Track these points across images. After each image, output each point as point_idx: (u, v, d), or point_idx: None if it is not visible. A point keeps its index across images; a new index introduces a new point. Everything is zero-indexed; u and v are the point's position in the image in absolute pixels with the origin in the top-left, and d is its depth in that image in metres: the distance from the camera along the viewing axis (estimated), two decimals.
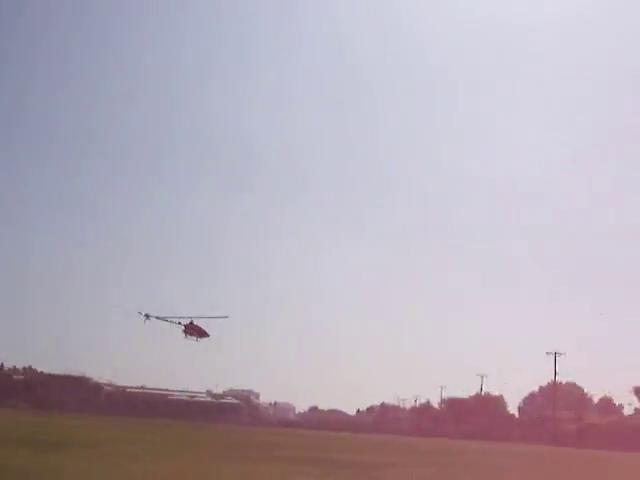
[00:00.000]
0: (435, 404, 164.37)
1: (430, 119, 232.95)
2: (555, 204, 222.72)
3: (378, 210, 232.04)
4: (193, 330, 62.81)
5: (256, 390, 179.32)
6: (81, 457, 26.35)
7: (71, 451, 29.05)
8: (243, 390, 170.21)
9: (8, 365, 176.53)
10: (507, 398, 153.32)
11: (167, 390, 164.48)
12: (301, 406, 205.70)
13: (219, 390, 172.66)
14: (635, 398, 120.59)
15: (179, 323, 63.40)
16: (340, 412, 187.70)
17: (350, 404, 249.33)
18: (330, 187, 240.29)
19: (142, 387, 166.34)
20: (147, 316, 63.71)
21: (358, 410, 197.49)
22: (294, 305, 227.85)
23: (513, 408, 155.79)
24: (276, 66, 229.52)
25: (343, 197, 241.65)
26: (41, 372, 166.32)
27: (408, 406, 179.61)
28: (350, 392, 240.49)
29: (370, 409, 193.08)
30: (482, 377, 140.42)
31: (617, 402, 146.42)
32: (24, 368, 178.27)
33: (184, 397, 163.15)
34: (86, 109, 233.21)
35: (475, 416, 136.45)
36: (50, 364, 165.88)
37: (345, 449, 49.02)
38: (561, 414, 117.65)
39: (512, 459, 50.21)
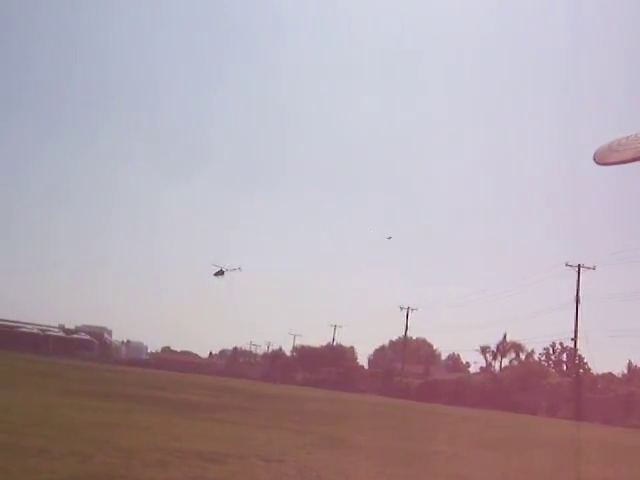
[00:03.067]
0: (287, 352, 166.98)
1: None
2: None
3: None
4: None
5: (109, 327, 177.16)
6: None
7: None
8: (96, 327, 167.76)
9: None
10: (358, 350, 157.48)
11: (17, 322, 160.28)
12: (154, 346, 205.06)
13: (72, 325, 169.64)
14: (481, 356, 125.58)
15: None
16: (192, 354, 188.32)
17: (203, 347, 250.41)
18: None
19: None
20: None
21: (210, 353, 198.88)
22: (148, 241, 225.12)
23: (364, 360, 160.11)
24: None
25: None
26: None
27: (260, 352, 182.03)
28: (203, 335, 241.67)
29: (222, 353, 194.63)
30: (335, 327, 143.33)
31: (464, 360, 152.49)
32: None
33: (35, 330, 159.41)
34: None
35: (326, 365, 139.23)
36: None
37: (188, 390, 49.14)
38: (409, 368, 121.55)
39: (344, 406, 51.60)
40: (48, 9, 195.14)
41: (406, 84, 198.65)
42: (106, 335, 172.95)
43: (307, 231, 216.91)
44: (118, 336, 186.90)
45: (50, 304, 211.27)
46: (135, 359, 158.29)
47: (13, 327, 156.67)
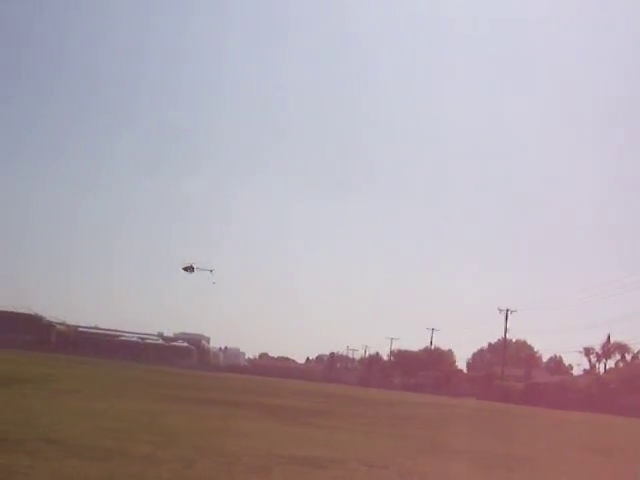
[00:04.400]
0: (385, 356, 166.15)
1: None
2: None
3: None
4: None
5: (207, 335, 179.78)
6: (24, 392, 26.04)
7: (15, 387, 28.74)
8: (194, 334, 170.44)
9: None
10: (456, 353, 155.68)
11: (119, 331, 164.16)
12: (251, 352, 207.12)
13: (170, 333, 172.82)
14: (585, 359, 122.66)
15: None
16: (290, 360, 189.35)
17: (300, 352, 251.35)
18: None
19: (95, 327, 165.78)
20: None
21: (308, 358, 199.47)
22: (249, 252, 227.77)
23: (462, 364, 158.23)
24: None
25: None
26: None
27: (357, 357, 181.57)
28: (301, 341, 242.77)
29: (319, 358, 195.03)
30: (432, 331, 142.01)
31: (567, 362, 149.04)
32: None
33: (135, 339, 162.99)
34: None
35: (424, 369, 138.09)
36: (2, 301, 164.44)
37: (287, 395, 49.28)
38: (510, 371, 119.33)
39: (444, 411, 50.93)
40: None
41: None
42: (204, 342, 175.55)
43: (403, 235, 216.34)
44: (216, 343, 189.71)
45: (149, 313, 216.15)
46: (233, 365, 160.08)
47: (114, 336, 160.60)
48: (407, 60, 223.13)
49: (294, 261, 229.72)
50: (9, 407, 19.31)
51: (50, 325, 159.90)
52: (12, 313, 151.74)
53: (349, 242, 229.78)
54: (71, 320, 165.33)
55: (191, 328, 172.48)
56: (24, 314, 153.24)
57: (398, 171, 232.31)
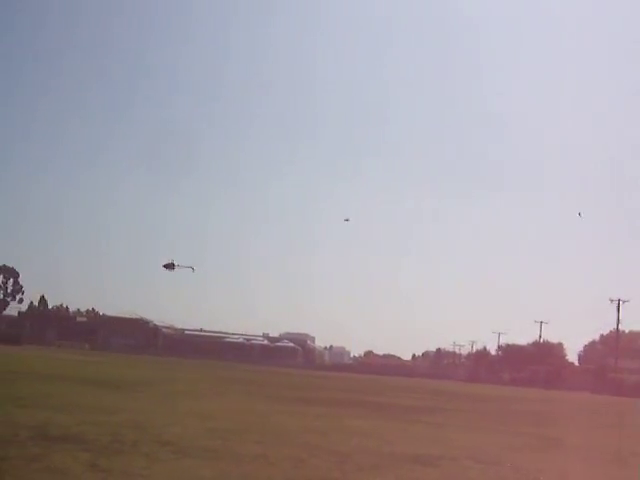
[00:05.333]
0: (492, 351, 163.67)
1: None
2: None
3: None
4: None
5: (312, 334, 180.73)
6: (135, 395, 26.65)
7: (127, 389, 29.44)
8: (299, 334, 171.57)
9: (72, 308, 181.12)
10: (567, 346, 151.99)
11: (224, 333, 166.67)
12: (356, 350, 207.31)
13: (275, 333, 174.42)
14: None
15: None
16: (395, 357, 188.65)
17: (406, 349, 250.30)
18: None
19: (200, 330, 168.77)
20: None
21: (413, 355, 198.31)
22: (354, 250, 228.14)
23: (573, 356, 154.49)
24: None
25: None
26: (103, 314, 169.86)
27: (464, 352, 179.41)
28: (406, 337, 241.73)
29: (425, 354, 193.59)
30: (541, 324, 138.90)
31: None
32: (87, 311, 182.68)
33: (241, 340, 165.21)
34: None
35: (533, 363, 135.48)
36: (112, 307, 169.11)
37: (394, 393, 49.05)
38: (623, 364, 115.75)
39: (556, 405, 49.87)
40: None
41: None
42: (309, 342, 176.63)
43: (506, 229, 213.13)
44: (321, 342, 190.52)
45: (254, 314, 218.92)
46: (338, 364, 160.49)
47: (219, 338, 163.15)
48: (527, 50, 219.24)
49: (398, 258, 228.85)
50: (122, 410, 19.73)
51: (157, 329, 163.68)
52: (120, 318, 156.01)
53: (452, 238, 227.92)
54: (177, 324, 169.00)
55: (296, 328, 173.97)
56: (132, 319, 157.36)
57: (499, 167, 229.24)
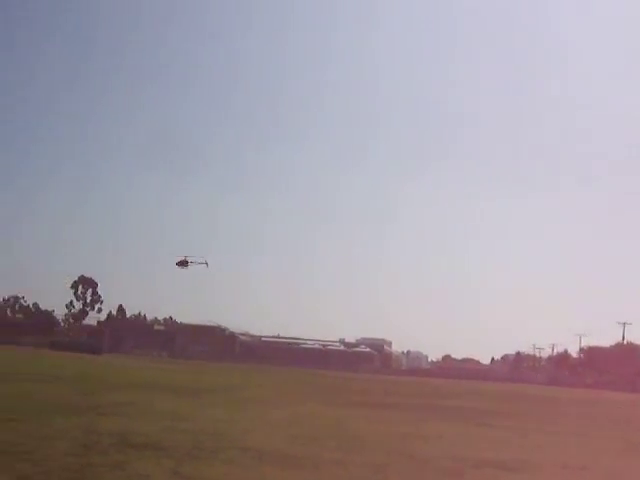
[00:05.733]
0: (573, 353, 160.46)
1: None
2: None
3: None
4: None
5: (388, 339, 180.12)
6: (214, 402, 26.89)
7: (206, 397, 29.71)
8: (376, 339, 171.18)
9: (150, 316, 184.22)
10: None
11: (301, 339, 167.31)
12: (433, 355, 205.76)
13: (352, 339, 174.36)
14: None
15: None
16: (473, 361, 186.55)
17: (484, 353, 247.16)
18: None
19: (277, 336, 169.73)
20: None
21: (492, 359, 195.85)
22: (423, 254, 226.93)
23: None
24: None
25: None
26: (180, 322, 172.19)
27: (545, 355, 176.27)
28: (484, 341, 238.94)
29: (504, 358, 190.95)
30: (624, 325, 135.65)
31: None
32: (164, 319, 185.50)
33: (317, 346, 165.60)
34: None
35: (616, 366, 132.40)
36: (188, 315, 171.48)
37: (472, 398, 48.43)
38: None
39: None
40: None
41: None
42: (386, 347, 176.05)
43: (585, 227, 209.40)
44: (398, 347, 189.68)
45: (331, 320, 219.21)
46: (415, 369, 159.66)
47: (296, 344, 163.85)
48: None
49: (475, 261, 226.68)
50: (201, 417, 19.91)
51: (233, 336, 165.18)
52: (197, 326, 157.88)
53: (531, 240, 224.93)
54: (254, 331, 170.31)
55: (373, 333, 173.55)
56: (208, 326, 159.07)
57: (584, 163, 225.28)
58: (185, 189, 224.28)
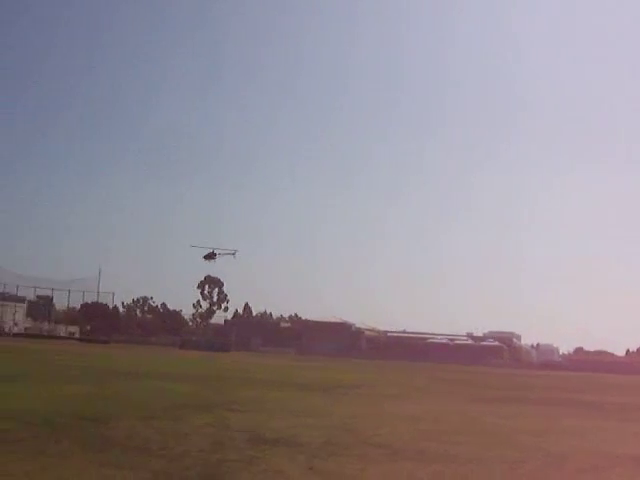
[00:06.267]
0: None
1: None
2: None
3: None
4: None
5: (517, 332, 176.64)
6: (343, 398, 26.97)
7: (335, 392, 29.82)
8: (504, 332, 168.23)
9: (276, 314, 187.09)
10: None
11: (427, 333, 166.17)
12: (565, 347, 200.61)
13: (479, 333, 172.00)
14: None
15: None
16: (607, 353, 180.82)
17: (619, 345, 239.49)
18: None
19: (403, 331, 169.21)
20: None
21: (627, 351, 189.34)
22: (556, 242, 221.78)
23: None
24: None
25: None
26: (306, 320, 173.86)
27: None
28: (619, 332, 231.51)
29: None
30: None
31: None
32: (290, 316, 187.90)
33: (444, 340, 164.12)
34: None
35: None
36: (314, 312, 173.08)
37: (608, 391, 46.90)
38: None
39: None
40: None
41: None
42: (515, 340, 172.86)
43: None
44: (527, 340, 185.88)
45: (458, 313, 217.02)
46: (546, 362, 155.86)
47: (422, 339, 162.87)
48: None
49: (612, 249, 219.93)
50: (332, 413, 19.92)
51: (360, 332, 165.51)
52: (323, 323, 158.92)
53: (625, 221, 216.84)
54: (380, 326, 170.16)
55: (501, 326, 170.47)
56: (334, 323, 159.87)
57: None
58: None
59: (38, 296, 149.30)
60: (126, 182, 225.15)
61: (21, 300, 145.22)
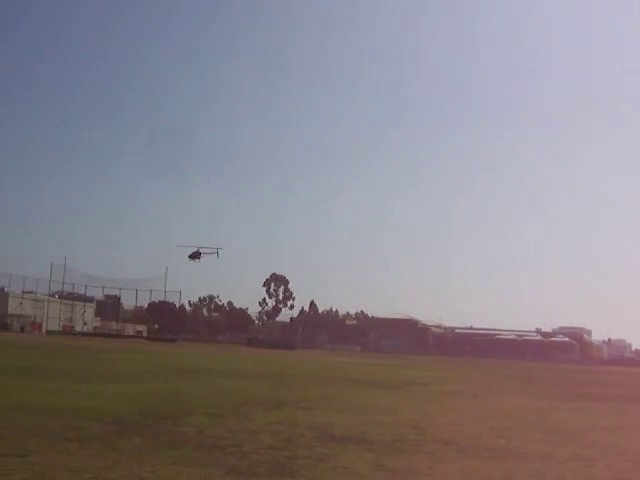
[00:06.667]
0: None
1: None
2: None
3: None
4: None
5: (588, 327, 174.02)
6: (411, 395, 26.87)
7: (402, 389, 29.75)
8: (574, 328, 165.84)
9: (342, 311, 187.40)
10: None
11: (495, 330, 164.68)
12: (638, 343, 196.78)
13: (549, 328, 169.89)
14: None
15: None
16: None
17: None
18: None
19: (470, 328, 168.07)
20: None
21: None
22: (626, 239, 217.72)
23: None
24: None
25: None
26: (372, 316, 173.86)
27: None
28: None
29: None
30: None
31: None
32: (356, 313, 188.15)
33: (513, 336, 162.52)
34: None
35: None
36: (380, 308, 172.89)
37: None
38: None
39: None
40: None
41: None
42: (585, 335, 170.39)
43: None
44: (598, 336, 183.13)
45: (527, 309, 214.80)
46: (618, 358, 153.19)
47: (490, 335, 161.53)
48: None
49: None
50: (400, 410, 19.84)
51: (426, 328, 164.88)
52: (390, 319, 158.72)
53: None
54: (447, 322, 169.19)
55: (571, 322, 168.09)
56: (401, 319, 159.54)
57: None
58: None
59: (106, 296, 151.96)
60: (194, 183, 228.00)
61: (90, 300, 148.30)
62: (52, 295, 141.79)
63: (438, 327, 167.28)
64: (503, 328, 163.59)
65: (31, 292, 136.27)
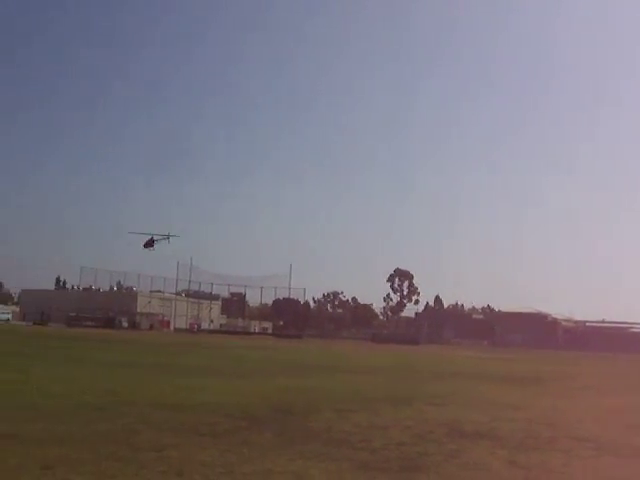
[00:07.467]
0: None
1: None
2: None
3: None
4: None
5: None
6: (541, 390, 26.35)
7: (531, 385, 29.23)
8: None
9: (467, 306, 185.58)
10: None
11: (629, 323, 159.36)
12: None
13: None
14: None
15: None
16: None
17: None
18: None
19: (602, 321, 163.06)
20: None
21: None
22: None
23: None
24: None
25: None
26: (498, 311, 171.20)
27: None
28: None
29: None
30: None
31: None
32: (482, 308, 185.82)
33: None
34: None
35: None
36: (506, 302, 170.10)
37: None
38: None
39: None
40: None
41: None
42: None
43: None
44: None
45: None
46: None
47: (624, 328, 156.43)
48: None
49: None
50: (530, 406, 19.43)
51: (555, 322, 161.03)
52: (517, 313, 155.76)
53: None
54: (577, 316, 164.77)
55: None
56: (528, 313, 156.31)
57: None
58: None
59: (232, 293, 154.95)
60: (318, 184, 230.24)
61: (216, 298, 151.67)
62: (179, 293, 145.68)
63: (568, 321, 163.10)
64: (638, 321, 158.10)
65: (159, 291, 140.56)
